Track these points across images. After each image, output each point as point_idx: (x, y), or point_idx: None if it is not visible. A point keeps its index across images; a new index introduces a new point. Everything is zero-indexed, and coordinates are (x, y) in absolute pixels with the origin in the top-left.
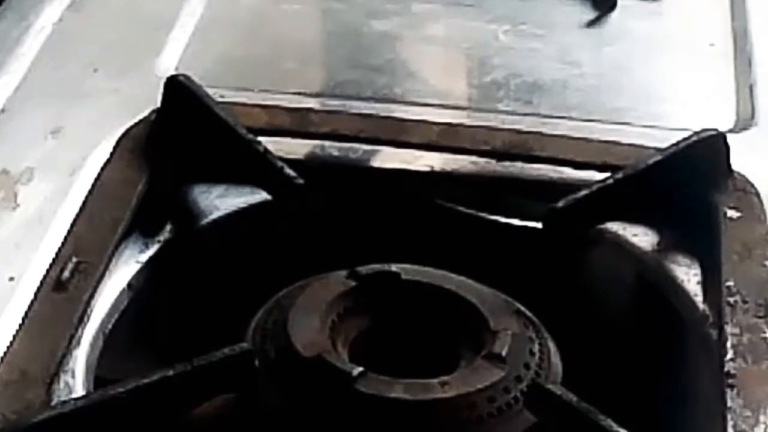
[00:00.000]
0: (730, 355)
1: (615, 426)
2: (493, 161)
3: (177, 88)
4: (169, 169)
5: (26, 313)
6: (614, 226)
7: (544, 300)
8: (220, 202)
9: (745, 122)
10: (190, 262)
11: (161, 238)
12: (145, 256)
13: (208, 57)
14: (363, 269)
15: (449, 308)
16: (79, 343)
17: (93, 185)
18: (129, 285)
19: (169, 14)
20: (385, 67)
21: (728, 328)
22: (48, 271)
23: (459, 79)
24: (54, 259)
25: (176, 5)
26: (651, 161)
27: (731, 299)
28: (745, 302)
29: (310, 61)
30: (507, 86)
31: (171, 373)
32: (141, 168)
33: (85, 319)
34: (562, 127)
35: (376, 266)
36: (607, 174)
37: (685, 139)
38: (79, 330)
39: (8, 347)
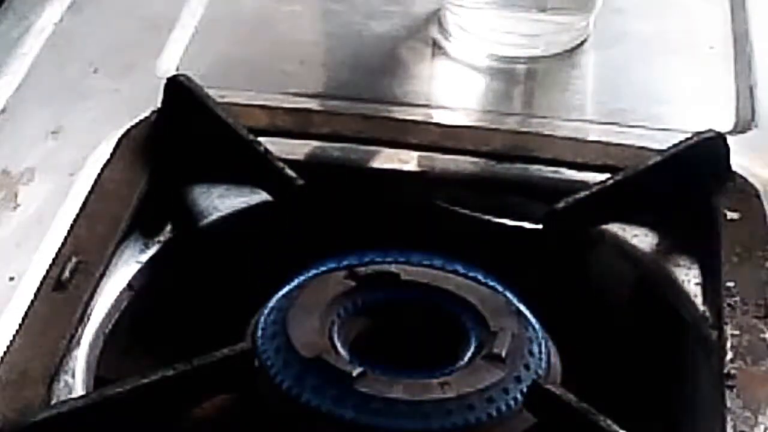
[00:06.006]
0: (729, 356)
1: (614, 426)
2: (494, 162)
3: (177, 89)
4: (169, 170)
5: (26, 313)
6: (614, 227)
7: (544, 301)
8: (220, 202)
9: (744, 124)
10: (191, 262)
11: (161, 238)
12: (145, 256)
13: (208, 57)
14: (362, 269)
15: (449, 308)
16: (79, 343)
17: (93, 185)
18: (129, 285)
19: (170, 14)
20: (385, 68)
21: (728, 330)
22: (48, 271)
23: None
24: (54, 259)
25: (177, 5)
26: (651, 162)
27: (731, 300)
28: (744, 303)
29: (310, 62)
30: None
31: (171, 373)
32: (141, 168)
33: (85, 319)
34: (562, 129)
35: (376, 266)
36: (607, 175)
37: (684, 140)
38: (79, 330)
39: (8, 347)
